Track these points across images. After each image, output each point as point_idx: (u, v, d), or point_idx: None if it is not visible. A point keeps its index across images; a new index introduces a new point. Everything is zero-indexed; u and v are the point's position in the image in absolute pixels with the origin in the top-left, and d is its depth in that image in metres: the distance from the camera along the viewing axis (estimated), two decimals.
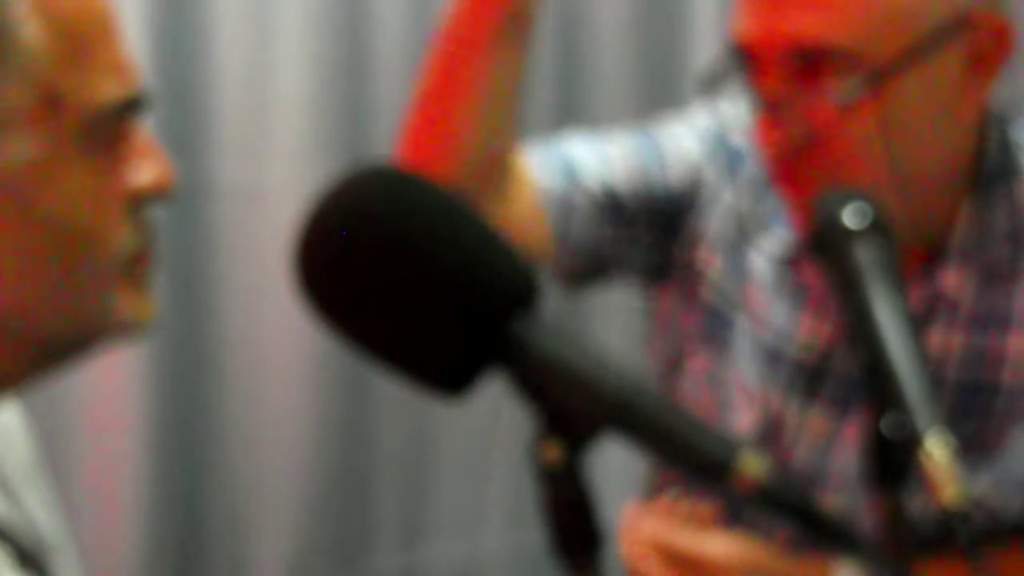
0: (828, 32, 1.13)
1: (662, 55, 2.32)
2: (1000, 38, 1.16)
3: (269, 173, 2.15)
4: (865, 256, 0.97)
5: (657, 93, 2.32)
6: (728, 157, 1.32)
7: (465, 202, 0.78)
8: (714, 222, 1.31)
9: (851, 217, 1.00)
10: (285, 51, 2.15)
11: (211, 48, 2.13)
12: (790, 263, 1.27)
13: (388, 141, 2.19)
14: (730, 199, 1.31)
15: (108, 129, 0.89)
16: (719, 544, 1.21)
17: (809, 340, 1.26)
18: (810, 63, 1.14)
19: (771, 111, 1.17)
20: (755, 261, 1.30)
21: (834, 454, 1.25)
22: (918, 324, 1.19)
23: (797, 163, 1.17)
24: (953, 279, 1.21)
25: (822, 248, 1.03)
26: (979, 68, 1.16)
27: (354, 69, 2.18)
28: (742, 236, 1.30)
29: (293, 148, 2.15)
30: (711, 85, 1.21)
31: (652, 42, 2.32)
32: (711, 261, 1.31)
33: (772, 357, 1.27)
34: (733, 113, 1.33)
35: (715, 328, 1.31)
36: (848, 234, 0.99)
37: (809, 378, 1.26)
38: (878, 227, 1.00)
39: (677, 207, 1.32)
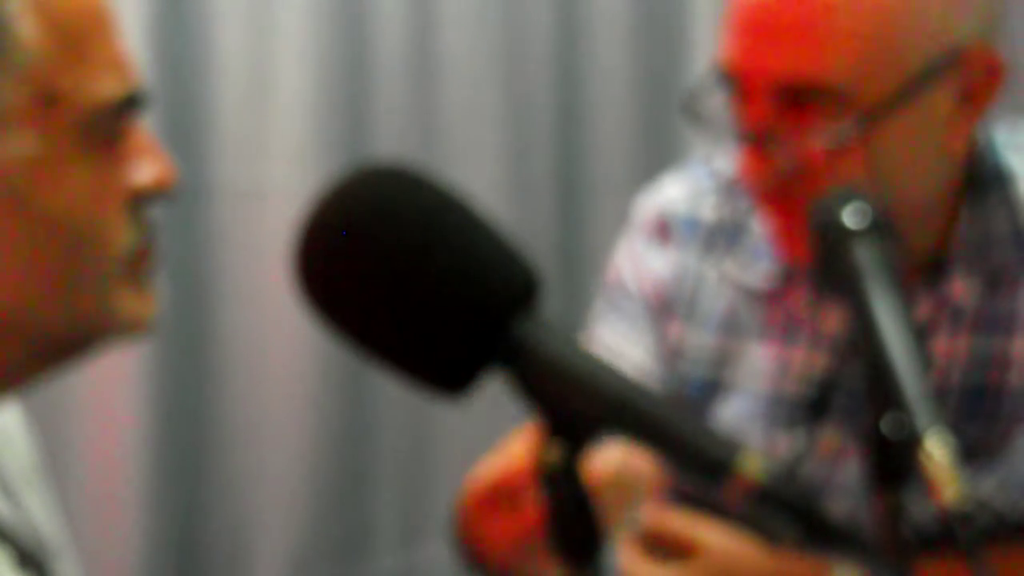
0: (819, 70, 1.11)
1: (662, 56, 2.31)
2: (992, 74, 1.14)
3: (269, 173, 2.15)
4: (865, 256, 0.97)
5: (657, 94, 2.32)
6: (707, 232, 1.32)
7: (467, 201, 0.78)
8: (700, 302, 1.32)
9: (851, 217, 1.00)
10: (285, 51, 2.15)
11: (211, 48, 2.13)
12: (776, 296, 1.27)
13: (388, 141, 2.21)
14: (714, 274, 1.31)
15: (107, 127, 0.88)
16: (714, 533, 1.20)
17: (806, 373, 1.26)
18: (798, 99, 1.12)
19: (756, 143, 1.15)
20: (744, 317, 1.30)
21: (842, 465, 1.25)
22: (925, 331, 1.19)
23: (783, 195, 1.16)
24: (960, 287, 1.21)
25: (822, 248, 1.03)
26: (970, 103, 1.15)
27: (354, 69, 2.18)
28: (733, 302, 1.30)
29: (293, 148, 2.15)
30: (695, 104, 1.19)
31: (652, 43, 2.32)
32: (690, 337, 1.32)
33: (771, 402, 1.27)
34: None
35: (701, 397, 1.31)
36: (848, 234, 0.99)
37: (813, 407, 1.25)
38: (878, 227, 1.00)
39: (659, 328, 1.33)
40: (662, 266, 1.34)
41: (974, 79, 1.14)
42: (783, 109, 1.13)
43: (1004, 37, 1.17)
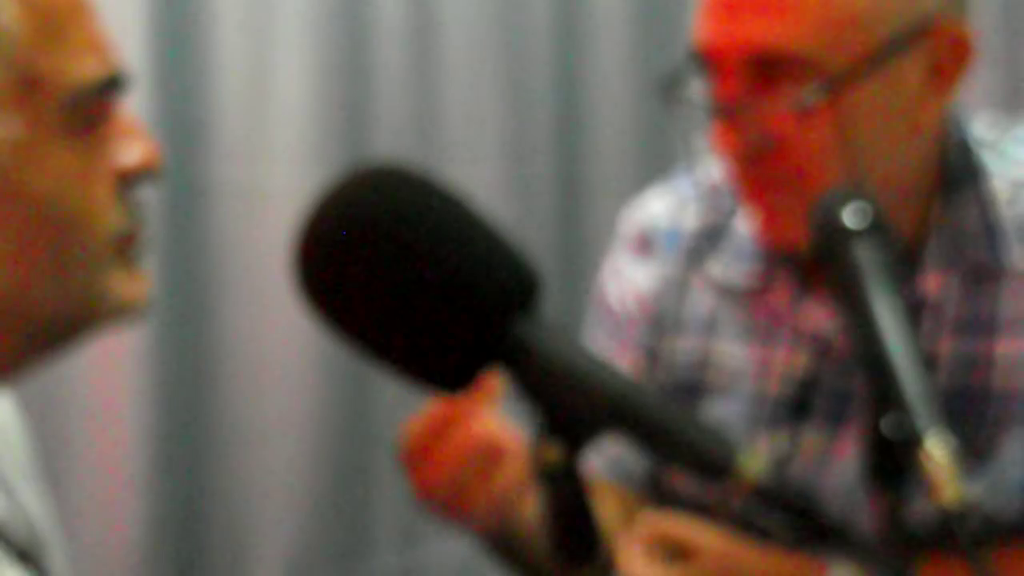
0: (784, 39, 1.13)
1: (662, 57, 2.31)
2: (960, 49, 1.16)
3: (269, 174, 2.15)
4: (865, 256, 0.97)
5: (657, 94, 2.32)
6: (690, 240, 1.33)
7: (468, 201, 0.78)
8: (685, 310, 1.32)
9: (851, 217, 1.00)
10: (285, 52, 2.15)
11: (211, 49, 2.13)
12: (758, 295, 1.27)
13: (388, 141, 2.21)
14: (698, 280, 1.32)
15: (89, 109, 0.89)
16: (712, 535, 1.21)
17: (787, 374, 1.26)
18: (767, 70, 1.14)
19: (728, 117, 1.16)
20: (725, 318, 1.30)
21: (830, 468, 1.25)
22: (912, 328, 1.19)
23: (757, 169, 1.18)
24: (933, 283, 1.21)
25: (822, 248, 1.03)
26: (938, 77, 1.16)
27: (354, 70, 2.18)
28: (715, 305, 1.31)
29: (293, 149, 2.15)
30: (671, 89, 1.21)
31: (652, 43, 2.32)
32: (678, 346, 1.32)
33: (753, 403, 1.27)
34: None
35: (683, 400, 1.31)
36: (848, 234, 0.99)
37: (794, 408, 1.25)
38: (878, 227, 1.00)
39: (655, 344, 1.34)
40: (644, 279, 1.34)
41: (942, 53, 1.16)
42: (752, 81, 1.15)
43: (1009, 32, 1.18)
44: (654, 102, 2.28)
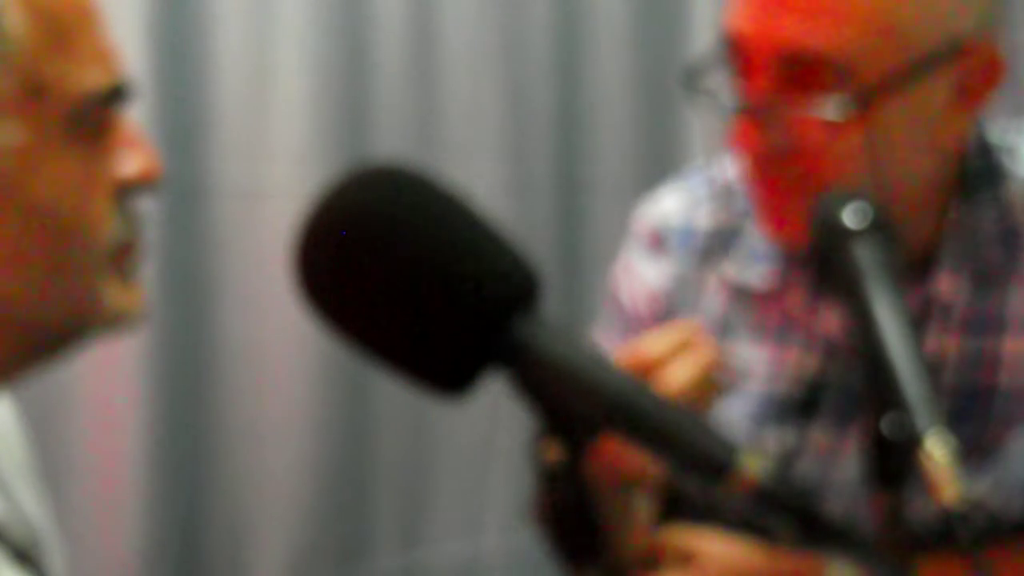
0: (822, 42, 1.11)
1: (662, 56, 2.32)
2: (991, 69, 1.15)
3: (269, 173, 2.15)
4: (865, 256, 0.97)
5: (657, 94, 2.32)
6: (703, 240, 1.32)
7: (467, 201, 0.78)
8: (697, 310, 1.32)
9: (851, 217, 1.00)
10: (286, 51, 2.15)
11: (211, 48, 2.12)
12: (773, 297, 1.27)
13: (388, 141, 2.21)
14: (712, 278, 1.31)
15: (93, 118, 0.89)
16: (710, 538, 1.21)
17: (797, 374, 1.26)
18: (800, 71, 1.12)
19: (754, 115, 1.15)
20: (738, 319, 1.30)
21: (837, 465, 1.25)
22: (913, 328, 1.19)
23: (774, 170, 1.16)
24: (947, 284, 1.21)
25: (822, 248, 1.03)
26: (966, 97, 1.15)
27: (354, 70, 2.18)
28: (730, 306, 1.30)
29: (293, 149, 2.15)
30: (697, 76, 1.19)
31: (652, 43, 2.32)
32: None
33: (762, 402, 1.27)
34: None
35: None
36: (848, 234, 0.99)
37: (803, 407, 1.25)
38: (878, 227, 1.00)
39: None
40: (656, 276, 1.34)
41: (972, 73, 1.14)
42: (784, 82, 1.13)
43: (1004, 39, 1.18)
44: (653, 103, 2.30)
